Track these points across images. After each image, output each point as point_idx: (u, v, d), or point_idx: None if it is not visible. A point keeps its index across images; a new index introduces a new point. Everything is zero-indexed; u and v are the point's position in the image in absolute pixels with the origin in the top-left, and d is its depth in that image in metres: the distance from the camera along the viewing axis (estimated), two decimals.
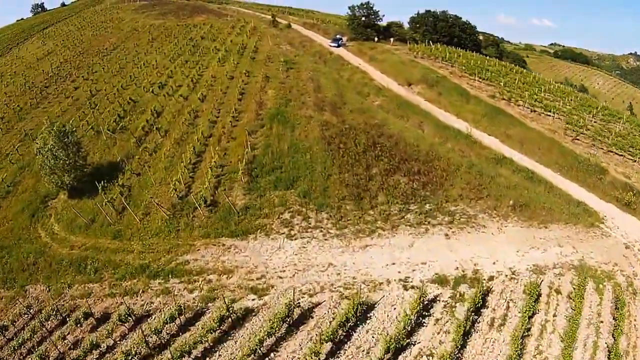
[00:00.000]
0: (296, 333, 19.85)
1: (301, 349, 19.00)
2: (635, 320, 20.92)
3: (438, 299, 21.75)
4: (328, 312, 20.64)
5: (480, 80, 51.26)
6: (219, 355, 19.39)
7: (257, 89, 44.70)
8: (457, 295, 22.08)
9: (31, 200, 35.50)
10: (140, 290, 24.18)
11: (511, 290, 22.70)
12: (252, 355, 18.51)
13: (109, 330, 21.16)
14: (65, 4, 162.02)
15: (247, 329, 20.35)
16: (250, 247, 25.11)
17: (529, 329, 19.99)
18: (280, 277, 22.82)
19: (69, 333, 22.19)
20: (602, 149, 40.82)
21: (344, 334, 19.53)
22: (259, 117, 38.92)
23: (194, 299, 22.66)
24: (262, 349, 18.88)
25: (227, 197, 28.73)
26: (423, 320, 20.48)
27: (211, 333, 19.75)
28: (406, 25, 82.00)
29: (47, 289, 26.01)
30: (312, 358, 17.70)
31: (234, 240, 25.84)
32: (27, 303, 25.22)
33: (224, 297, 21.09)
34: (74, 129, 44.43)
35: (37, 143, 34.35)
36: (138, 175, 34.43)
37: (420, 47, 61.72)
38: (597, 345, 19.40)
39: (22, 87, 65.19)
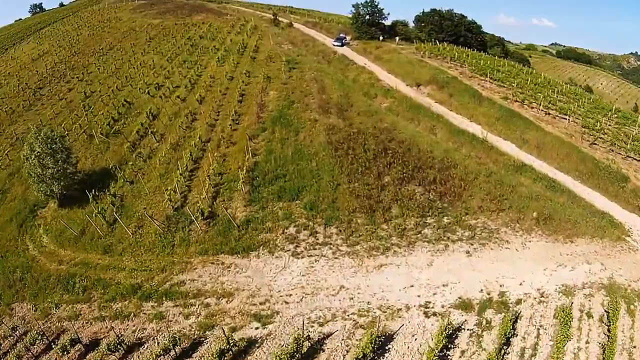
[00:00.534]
0: None
1: None
2: None
3: (463, 327, 19.45)
4: (341, 344, 18.28)
5: (491, 81, 48.90)
6: None
7: (258, 90, 42.48)
8: (484, 323, 19.85)
9: (20, 209, 33.51)
10: (132, 314, 21.89)
11: (541, 315, 20.66)
12: None
13: None
14: (64, 4, 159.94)
15: None
16: (252, 266, 22.74)
17: None
18: (287, 302, 20.44)
19: None
20: (620, 154, 38.61)
21: None
22: (260, 120, 36.66)
23: (190, 325, 20.31)
24: None
25: (227, 208, 26.39)
26: (447, 353, 18.15)
27: None
28: (411, 25, 79.63)
29: (34, 308, 24.16)
30: None
31: (234, 258, 23.47)
32: (12, 324, 23.36)
33: (223, 328, 18.72)
34: (66, 133, 42.48)
35: (24, 150, 32.14)
36: (131, 184, 32.11)
37: (428, 47, 59.33)
38: None
39: (15, 89, 63.12)
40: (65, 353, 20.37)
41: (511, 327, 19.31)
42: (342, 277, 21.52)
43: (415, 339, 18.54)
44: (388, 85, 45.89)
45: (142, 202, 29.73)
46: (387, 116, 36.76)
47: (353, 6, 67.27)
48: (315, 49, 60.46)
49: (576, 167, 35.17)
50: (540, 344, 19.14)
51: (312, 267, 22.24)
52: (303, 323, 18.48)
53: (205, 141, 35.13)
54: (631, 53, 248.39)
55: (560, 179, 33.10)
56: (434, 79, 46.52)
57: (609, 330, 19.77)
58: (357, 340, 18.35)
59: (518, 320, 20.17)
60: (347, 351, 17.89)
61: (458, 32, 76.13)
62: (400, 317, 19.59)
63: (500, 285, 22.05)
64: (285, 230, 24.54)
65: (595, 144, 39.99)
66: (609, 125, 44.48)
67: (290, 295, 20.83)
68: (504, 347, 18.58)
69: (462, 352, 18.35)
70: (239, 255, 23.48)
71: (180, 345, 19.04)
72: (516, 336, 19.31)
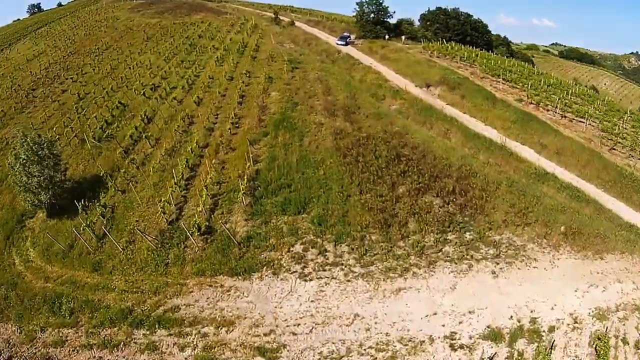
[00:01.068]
0: None
1: None
2: None
3: None
4: None
5: (503, 82, 46.59)
6: None
7: (259, 90, 40.13)
8: (516, 355, 17.62)
9: (7, 219, 31.35)
10: (122, 343, 19.69)
11: (576, 344, 18.54)
12: None
13: None
14: (62, 4, 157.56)
15: None
16: (254, 290, 20.35)
17: None
18: (294, 333, 18.06)
19: None
20: None
21: None
22: (261, 124, 34.30)
23: (186, 359, 17.97)
24: None
25: (226, 222, 24.02)
26: None
27: None
28: (416, 23, 77.33)
29: (19, 330, 22.19)
30: None
31: (234, 280, 21.07)
32: None
33: None
34: (57, 138, 40.15)
35: (8, 158, 29.89)
36: (123, 193, 29.77)
37: (436, 46, 57.03)
38: None
39: (8, 91, 60.68)
40: None
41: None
42: (356, 304, 19.14)
43: None
44: (397, 86, 43.58)
45: (134, 213, 27.40)
46: (397, 119, 34.41)
47: (357, 4, 65.04)
48: (319, 48, 58.16)
49: (598, 174, 33.04)
50: None
51: (322, 291, 19.83)
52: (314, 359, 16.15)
53: (202, 146, 32.79)
54: (632, 53, 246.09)
55: (584, 187, 30.97)
56: (445, 80, 44.23)
57: None
58: None
59: (552, 351, 17.96)
60: None
61: (464, 31, 74.08)
62: (423, 350, 17.26)
63: (531, 311, 19.85)
64: (291, 249, 22.08)
65: (614, 149, 37.81)
66: (626, 128, 42.30)
67: (299, 324, 18.45)
68: None
69: None
70: (239, 277, 21.07)
71: None
72: None
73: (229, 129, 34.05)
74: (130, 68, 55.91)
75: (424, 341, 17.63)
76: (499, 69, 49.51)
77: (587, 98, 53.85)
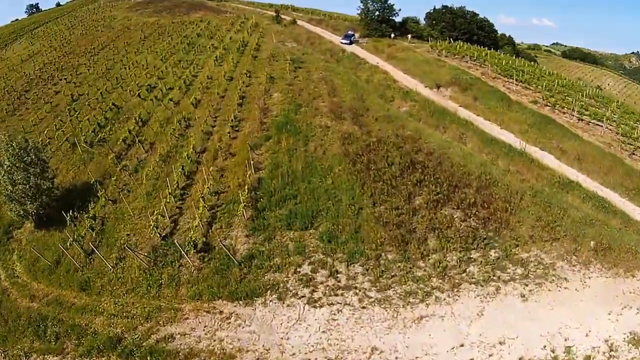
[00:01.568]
0: None
1: None
2: None
3: None
4: None
5: (516, 82, 44.38)
6: None
7: (261, 91, 37.98)
8: None
9: None
10: None
11: None
12: None
13: None
14: (61, 4, 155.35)
15: None
16: (257, 318, 18.06)
17: None
18: None
19: None
20: None
21: None
22: (263, 127, 32.17)
23: None
24: None
25: (225, 238, 21.78)
26: None
27: None
28: (422, 22, 75.26)
29: (3, 354, 20.74)
30: None
31: (234, 306, 18.77)
32: None
33: None
34: (48, 142, 38.03)
35: None
36: (114, 203, 27.58)
37: (444, 45, 54.82)
38: None
39: (1, 92, 58.55)
40: None
41: None
42: (374, 335, 16.85)
43: None
44: (406, 86, 41.36)
45: (126, 226, 25.21)
46: (409, 122, 32.19)
47: (361, 1, 62.88)
48: (322, 47, 55.98)
49: (621, 182, 30.77)
50: None
51: (334, 319, 17.54)
52: None
53: (200, 152, 30.58)
54: (632, 52, 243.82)
55: (608, 196, 28.77)
56: (456, 80, 42.02)
57: None
58: None
59: None
60: None
61: (471, 30, 72.13)
62: None
63: (565, 339, 17.61)
64: (298, 269, 19.75)
65: (634, 154, 35.61)
66: None
67: None
68: None
69: None
70: (240, 302, 18.75)
71: None
72: None
73: (229, 132, 31.87)
74: (126, 68, 53.86)
75: None
76: (511, 69, 47.33)
77: (600, 100, 51.80)
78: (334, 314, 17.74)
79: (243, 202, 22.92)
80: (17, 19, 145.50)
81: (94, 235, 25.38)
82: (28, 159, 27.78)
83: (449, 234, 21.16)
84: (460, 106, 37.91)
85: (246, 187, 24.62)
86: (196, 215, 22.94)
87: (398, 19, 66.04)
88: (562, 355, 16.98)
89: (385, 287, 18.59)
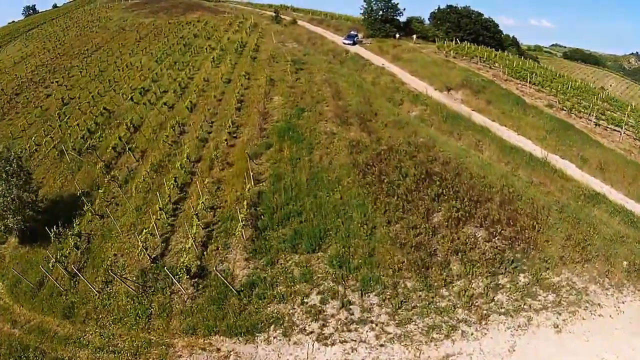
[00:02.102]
0: None
1: None
2: None
3: None
4: None
5: (530, 85, 42.19)
6: None
7: (260, 95, 35.70)
8: None
9: None
10: None
11: None
12: None
13: None
14: (57, 5, 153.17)
15: None
16: (260, 357, 15.75)
17: None
18: None
19: None
20: None
21: None
22: (263, 134, 29.90)
23: None
24: None
25: (222, 262, 19.45)
26: None
27: None
28: (426, 22, 73.03)
29: None
30: None
31: (233, 342, 16.44)
32: None
33: None
34: (35, 149, 35.78)
35: None
36: (101, 218, 25.28)
37: (451, 45, 52.61)
38: None
39: None
40: None
41: None
42: None
43: None
44: (415, 89, 39.07)
45: (113, 245, 22.90)
46: (421, 128, 29.92)
47: (365, 0, 60.62)
48: (324, 47, 53.71)
49: None
50: None
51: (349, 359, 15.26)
52: None
53: (194, 161, 28.27)
54: (632, 53, 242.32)
55: (635, 209, 26.52)
56: (467, 83, 39.76)
57: None
58: None
59: None
60: None
61: (476, 30, 69.91)
62: None
63: None
64: (305, 300, 17.39)
65: None
66: None
67: None
68: None
69: None
70: (240, 339, 16.40)
71: None
72: None
73: (226, 139, 29.56)
74: (119, 70, 51.55)
75: None
76: (524, 71, 45.12)
77: (614, 103, 49.67)
78: (348, 354, 15.38)
79: (242, 221, 20.56)
80: (13, 21, 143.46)
81: (78, 254, 23.09)
82: (10, 170, 25.67)
83: (474, 256, 18.86)
84: (473, 110, 35.66)
85: (245, 202, 22.30)
86: (190, 235, 20.61)
87: (402, 19, 63.92)
88: None
89: (406, 321, 16.25)
